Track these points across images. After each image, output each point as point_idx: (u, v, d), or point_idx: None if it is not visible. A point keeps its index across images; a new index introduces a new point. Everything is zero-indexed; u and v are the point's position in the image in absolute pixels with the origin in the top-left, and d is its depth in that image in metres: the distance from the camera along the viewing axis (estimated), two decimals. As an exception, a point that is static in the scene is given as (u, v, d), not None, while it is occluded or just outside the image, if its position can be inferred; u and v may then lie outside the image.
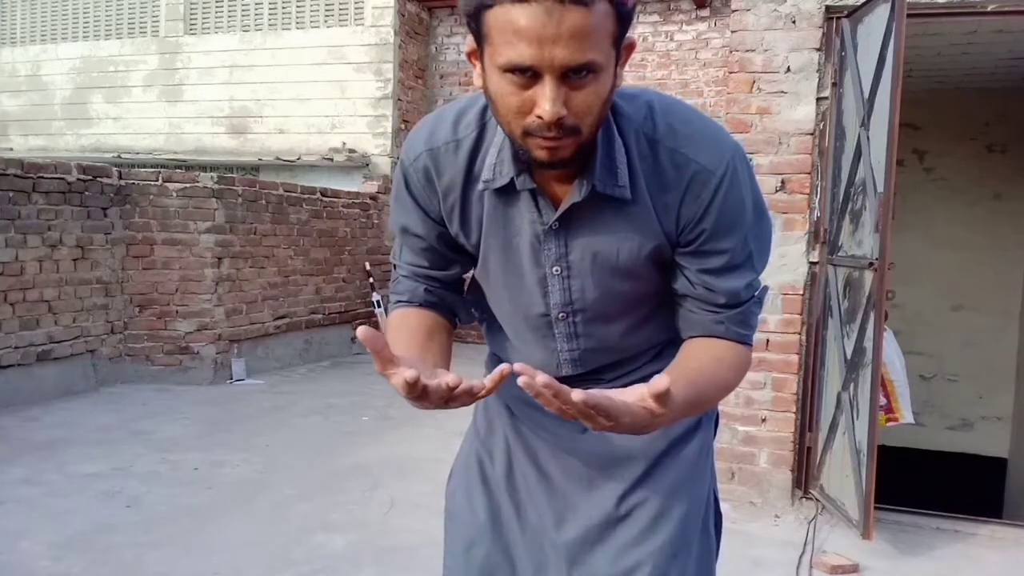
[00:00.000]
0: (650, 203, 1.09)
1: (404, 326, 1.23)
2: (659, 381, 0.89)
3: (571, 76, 0.93)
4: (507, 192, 1.12)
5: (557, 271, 1.15)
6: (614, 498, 1.25)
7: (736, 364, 1.15)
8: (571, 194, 1.08)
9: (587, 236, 1.12)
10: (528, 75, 0.93)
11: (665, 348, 1.27)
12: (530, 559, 1.28)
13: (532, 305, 1.20)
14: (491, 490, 1.33)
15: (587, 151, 1.02)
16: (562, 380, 1.26)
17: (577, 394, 0.87)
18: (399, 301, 1.28)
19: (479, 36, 0.97)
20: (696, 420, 1.28)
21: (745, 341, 1.16)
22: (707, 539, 1.31)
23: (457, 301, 1.30)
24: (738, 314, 1.14)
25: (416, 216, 1.22)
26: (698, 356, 1.14)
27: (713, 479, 1.34)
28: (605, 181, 1.06)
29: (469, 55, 1.02)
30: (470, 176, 1.14)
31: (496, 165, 1.10)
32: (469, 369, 1.49)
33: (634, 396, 0.92)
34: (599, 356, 1.25)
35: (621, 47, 0.98)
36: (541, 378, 0.86)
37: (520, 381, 0.86)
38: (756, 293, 1.16)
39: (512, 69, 0.93)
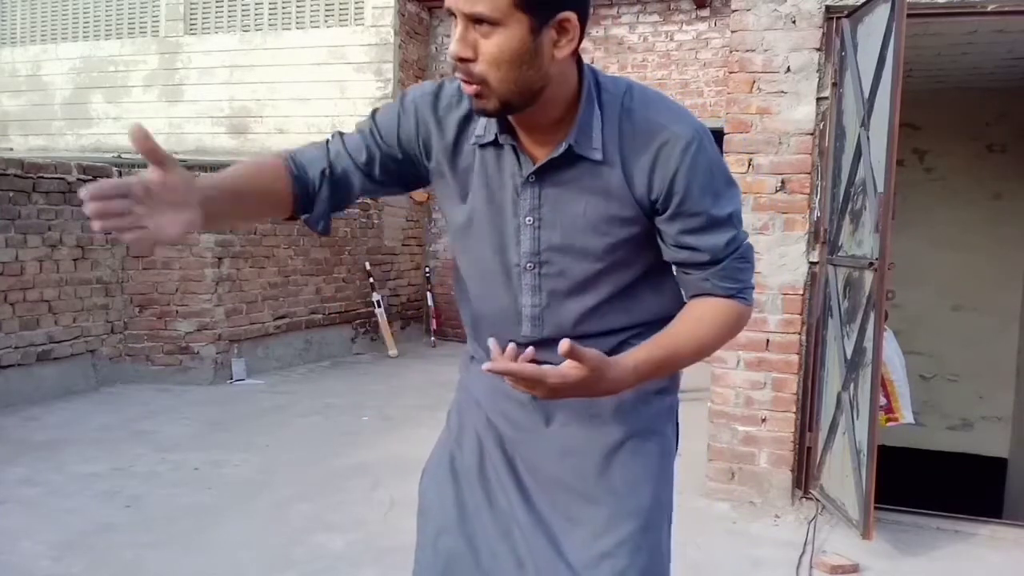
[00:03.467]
0: (621, 167, 1.19)
1: (254, 163, 1.28)
2: (561, 342, 1.07)
3: (477, 24, 1.07)
4: (495, 148, 1.24)
5: (530, 221, 1.25)
6: (573, 491, 1.31)
7: (720, 322, 1.24)
8: (550, 152, 1.20)
9: (559, 190, 1.22)
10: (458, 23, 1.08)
11: (629, 341, 1.29)
12: (501, 545, 1.32)
13: (506, 254, 1.28)
14: (460, 483, 1.38)
15: (512, 109, 1.14)
16: (522, 344, 1.27)
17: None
18: (293, 152, 1.31)
19: None
20: (651, 423, 1.35)
21: (734, 295, 1.25)
22: (668, 541, 1.37)
23: (322, 199, 1.29)
24: (721, 270, 1.23)
25: (392, 126, 1.29)
26: (680, 315, 1.26)
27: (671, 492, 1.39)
28: (581, 143, 1.18)
29: None
30: (463, 132, 1.25)
31: (487, 124, 1.22)
32: (455, 370, 1.50)
33: (564, 364, 1.10)
34: (559, 318, 1.29)
35: (545, 18, 1.08)
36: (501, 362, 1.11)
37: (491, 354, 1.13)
38: (738, 248, 1.24)
39: (449, 12, 1.10)
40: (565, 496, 1.31)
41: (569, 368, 1.10)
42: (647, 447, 1.33)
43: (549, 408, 1.32)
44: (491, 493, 1.35)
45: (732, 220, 1.23)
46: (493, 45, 1.07)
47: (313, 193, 1.29)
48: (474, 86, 1.11)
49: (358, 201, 1.37)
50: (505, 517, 1.33)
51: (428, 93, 1.28)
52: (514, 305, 1.30)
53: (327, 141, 1.34)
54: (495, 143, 1.23)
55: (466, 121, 1.24)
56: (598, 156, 1.18)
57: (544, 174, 1.21)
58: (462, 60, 1.09)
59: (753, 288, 1.29)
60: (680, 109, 1.23)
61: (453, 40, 1.09)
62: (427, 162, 1.29)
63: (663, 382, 1.36)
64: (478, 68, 1.09)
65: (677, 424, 1.43)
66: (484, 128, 1.23)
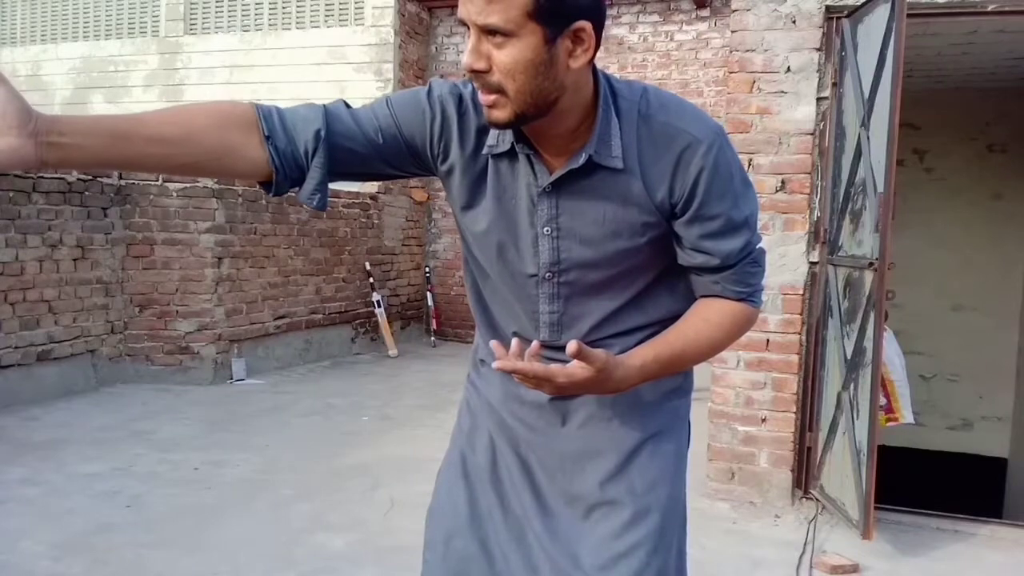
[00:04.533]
0: (640, 173, 1.18)
1: (203, 107, 1.12)
2: (568, 344, 1.08)
3: (490, 35, 1.06)
4: (509, 158, 1.22)
5: (548, 231, 1.23)
6: (590, 492, 1.30)
7: (728, 323, 1.25)
8: (568, 162, 1.18)
9: (576, 200, 1.21)
10: (472, 35, 1.07)
11: (643, 340, 1.29)
12: (514, 549, 1.31)
13: (524, 264, 1.27)
14: (472, 484, 1.37)
15: (525, 121, 1.11)
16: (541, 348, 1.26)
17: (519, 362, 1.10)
18: (271, 110, 1.15)
19: None
20: (667, 424, 1.35)
21: (744, 299, 1.25)
22: (684, 541, 1.38)
23: (317, 165, 1.16)
24: (732, 274, 1.23)
25: (414, 114, 1.21)
26: (688, 315, 1.26)
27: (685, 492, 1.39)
28: (601, 152, 1.17)
29: None
30: (480, 140, 1.23)
31: (501, 133, 1.20)
32: (461, 370, 1.50)
33: (571, 364, 1.12)
34: (577, 323, 1.29)
35: (559, 28, 1.06)
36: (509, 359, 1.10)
37: (493, 343, 1.13)
38: (751, 253, 1.24)
39: (461, 23, 1.09)
40: (581, 498, 1.30)
41: (576, 368, 1.12)
42: (664, 448, 1.33)
43: (565, 410, 1.31)
44: (504, 495, 1.34)
45: (749, 223, 1.23)
46: (507, 56, 1.06)
47: (303, 158, 1.14)
48: (491, 96, 1.09)
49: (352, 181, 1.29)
50: (518, 520, 1.32)
51: (451, 94, 1.23)
52: (532, 312, 1.29)
53: (335, 105, 1.21)
54: (509, 153, 1.21)
55: (483, 130, 1.22)
56: (619, 164, 1.17)
57: (561, 184, 1.20)
58: (476, 72, 1.08)
59: (762, 290, 1.29)
60: (697, 111, 1.22)
61: (467, 51, 1.08)
62: (439, 164, 1.24)
63: (678, 383, 1.36)
64: (494, 79, 1.08)
65: (688, 424, 1.43)
66: (497, 138, 1.20)
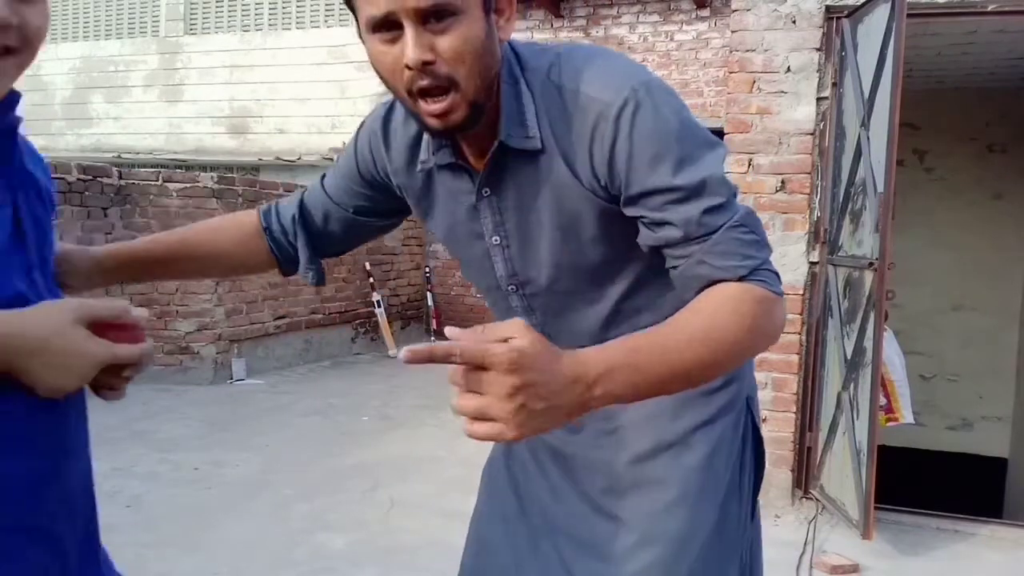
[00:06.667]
0: (560, 153, 1.01)
1: (213, 225, 1.33)
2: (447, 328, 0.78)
3: (432, 21, 0.90)
4: (444, 169, 1.10)
5: (496, 241, 1.11)
6: (600, 503, 1.20)
7: (729, 309, 0.91)
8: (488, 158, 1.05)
9: (517, 199, 1.07)
10: (393, 31, 0.91)
11: None
12: (530, 557, 1.27)
13: (487, 277, 1.17)
14: (497, 489, 1.32)
15: (481, 112, 0.97)
16: None
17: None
18: (268, 206, 1.32)
19: (353, 11, 0.96)
20: (690, 431, 1.16)
21: (747, 276, 0.94)
22: (725, 560, 1.19)
23: (302, 246, 1.30)
24: (715, 244, 0.95)
25: (352, 158, 1.25)
26: (675, 315, 0.94)
27: (737, 496, 1.19)
28: (514, 134, 1.01)
29: (361, 38, 0.99)
30: (414, 156, 1.14)
31: (430, 144, 1.09)
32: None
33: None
34: (571, 339, 1.12)
35: None
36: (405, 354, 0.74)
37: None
38: (735, 215, 0.97)
39: (376, 26, 0.92)
40: (591, 511, 1.20)
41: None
42: (686, 459, 1.14)
43: None
44: (523, 502, 1.28)
45: (708, 188, 0.96)
46: (457, 38, 0.90)
47: (293, 243, 1.28)
48: (446, 99, 0.93)
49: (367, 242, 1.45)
50: (535, 529, 1.26)
51: (379, 117, 1.18)
52: None
53: (312, 185, 1.32)
54: (444, 164, 1.09)
55: (415, 144, 1.12)
56: (535, 145, 1.01)
57: (496, 185, 1.06)
58: (428, 64, 0.91)
59: (773, 271, 0.97)
60: (613, 71, 1.00)
61: (411, 46, 0.90)
62: (397, 191, 1.22)
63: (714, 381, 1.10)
64: (444, 69, 0.91)
65: (753, 426, 1.22)
66: (426, 151, 1.09)
